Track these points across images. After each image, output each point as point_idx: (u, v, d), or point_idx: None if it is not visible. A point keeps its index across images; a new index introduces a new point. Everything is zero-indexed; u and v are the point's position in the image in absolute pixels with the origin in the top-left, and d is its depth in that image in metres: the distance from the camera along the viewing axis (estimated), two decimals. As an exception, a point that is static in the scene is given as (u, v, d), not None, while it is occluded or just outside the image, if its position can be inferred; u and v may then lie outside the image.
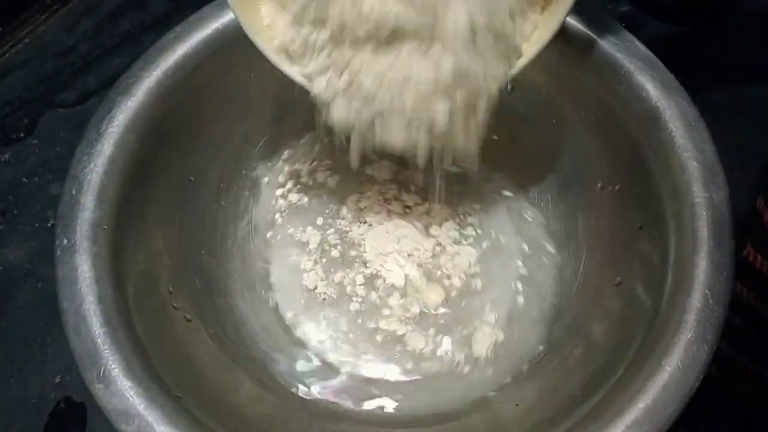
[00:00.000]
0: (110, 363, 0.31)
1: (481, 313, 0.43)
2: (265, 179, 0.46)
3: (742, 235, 0.34)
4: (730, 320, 0.32)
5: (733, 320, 0.34)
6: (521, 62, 0.35)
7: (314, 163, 0.47)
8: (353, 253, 0.44)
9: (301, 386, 0.40)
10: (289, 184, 0.47)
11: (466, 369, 0.41)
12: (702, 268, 0.32)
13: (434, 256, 0.43)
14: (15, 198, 0.49)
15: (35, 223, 0.48)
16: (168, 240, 0.40)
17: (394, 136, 0.33)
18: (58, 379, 0.42)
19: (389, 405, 0.40)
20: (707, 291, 0.32)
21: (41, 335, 0.44)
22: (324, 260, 0.44)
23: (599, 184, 0.41)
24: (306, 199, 0.46)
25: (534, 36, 0.35)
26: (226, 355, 0.39)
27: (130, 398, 0.31)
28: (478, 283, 0.43)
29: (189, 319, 0.39)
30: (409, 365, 0.41)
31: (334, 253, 0.44)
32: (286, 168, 0.47)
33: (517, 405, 0.37)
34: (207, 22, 0.41)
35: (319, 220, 0.45)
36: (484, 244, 0.45)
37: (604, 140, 0.40)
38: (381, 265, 0.43)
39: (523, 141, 0.46)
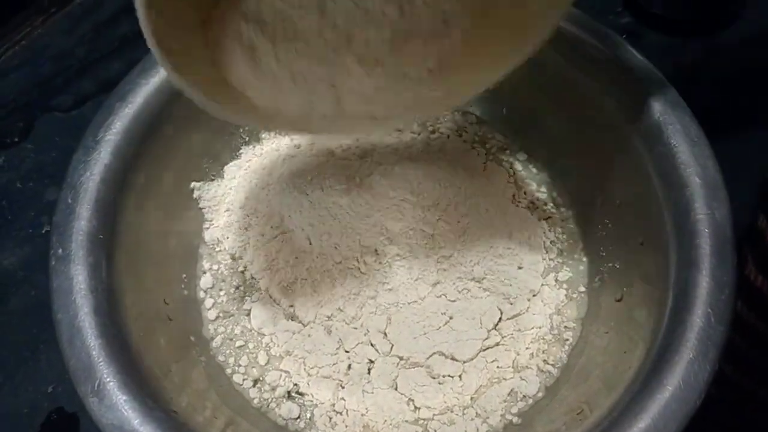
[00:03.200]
0: (105, 376, 0.31)
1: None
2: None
3: (742, 252, 0.34)
4: (730, 339, 0.32)
5: (733, 339, 0.34)
6: None
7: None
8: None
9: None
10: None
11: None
12: (703, 285, 0.32)
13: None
14: (9, 203, 0.49)
15: (29, 229, 0.47)
16: (165, 249, 0.40)
17: None
18: (50, 389, 0.42)
19: None
20: (709, 309, 0.31)
21: (34, 344, 0.43)
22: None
23: (600, 199, 0.41)
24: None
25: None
26: (222, 370, 0.39)
27: (125, 412, 0.30)
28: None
29: (185, 330, 0.39)
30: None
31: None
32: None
33: (517, 422, 0.37)
34: (206, 29, 0.41)
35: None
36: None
37: (606, 155, 0.40)
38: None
39: (521, 156, 0.45)
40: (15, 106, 0.53)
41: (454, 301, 0.39)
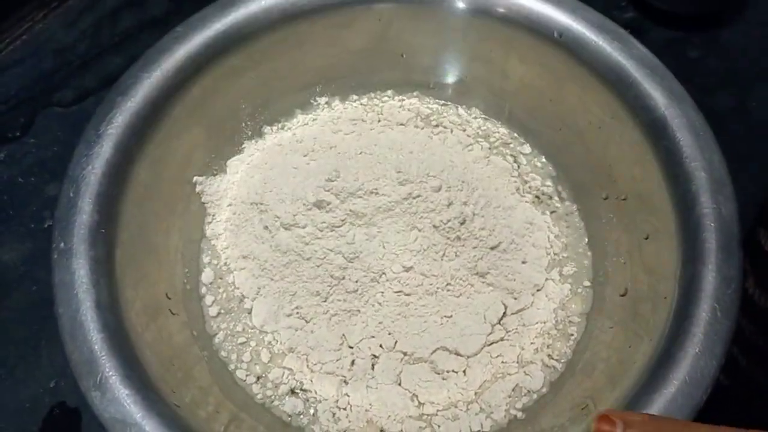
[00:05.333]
0: (107, 370, 0.31)
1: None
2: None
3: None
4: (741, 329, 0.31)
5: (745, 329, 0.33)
6: None
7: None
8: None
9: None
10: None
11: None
12: (709, 280, 0.32)
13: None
14: (10, 198, 0.48)
15: (31, 224, 0.47)
16: (167, 244, 0.40)
17: None
18: (52, 384, 0.42)
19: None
20: (715, 304, 0.31)
21: (35, 339, 0.43)
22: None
23: (604, 194, 0.41)
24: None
25: None
26: (225, 366, 0.39)
27: (128, 406, 0.30)
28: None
29: (187, 325, 0.38)
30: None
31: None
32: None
33: (521, 417, 0.37)
34: (208, 23, 0.41)
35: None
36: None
37: (610, 149, 0.40)
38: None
39: (525, 150, 0.45)
40: (16, 101, 0.53)
41: (458, 296, 0.39)
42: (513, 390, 0.37)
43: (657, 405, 0.30)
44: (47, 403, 0.41)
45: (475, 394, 0.37)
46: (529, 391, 0.37)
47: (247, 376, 0.39)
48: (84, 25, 0.56)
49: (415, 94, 0.48)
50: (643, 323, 0.35)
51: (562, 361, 0.38)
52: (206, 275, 0.41)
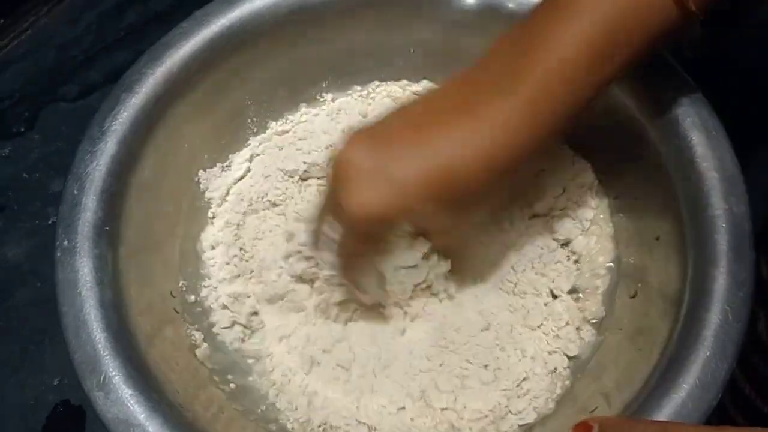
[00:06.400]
0: (111, 370, 0.30)
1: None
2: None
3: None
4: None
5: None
6: None
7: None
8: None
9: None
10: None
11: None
12: (721, 282, 0.31)
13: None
14: (15, 194, 0.48)
15: (35, 220, 0.47)
16: (172, 241, 0.40)
17: None
18: (56, 382, 0.41)
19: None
20: (726, 306, 0.31)
21: (40, 336, 0.43)
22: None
23: (615, 193, 0.40)
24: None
25: None
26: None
27: (131, 407, 0.30)
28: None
29: (192, 323, 0.38)
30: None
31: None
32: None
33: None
34: (213, 19, 0.40)
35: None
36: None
37: (621, 149, 0.39)
38: None
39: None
40: (21, 96, 0.53)
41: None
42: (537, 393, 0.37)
43: (668, 408, 0.29)
44: (51, 401, 0.41)
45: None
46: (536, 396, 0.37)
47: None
48: (88, 20, 0.55)
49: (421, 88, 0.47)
50: (653, 325, 0.34)
51: (572, 364, 0.38)
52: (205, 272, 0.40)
